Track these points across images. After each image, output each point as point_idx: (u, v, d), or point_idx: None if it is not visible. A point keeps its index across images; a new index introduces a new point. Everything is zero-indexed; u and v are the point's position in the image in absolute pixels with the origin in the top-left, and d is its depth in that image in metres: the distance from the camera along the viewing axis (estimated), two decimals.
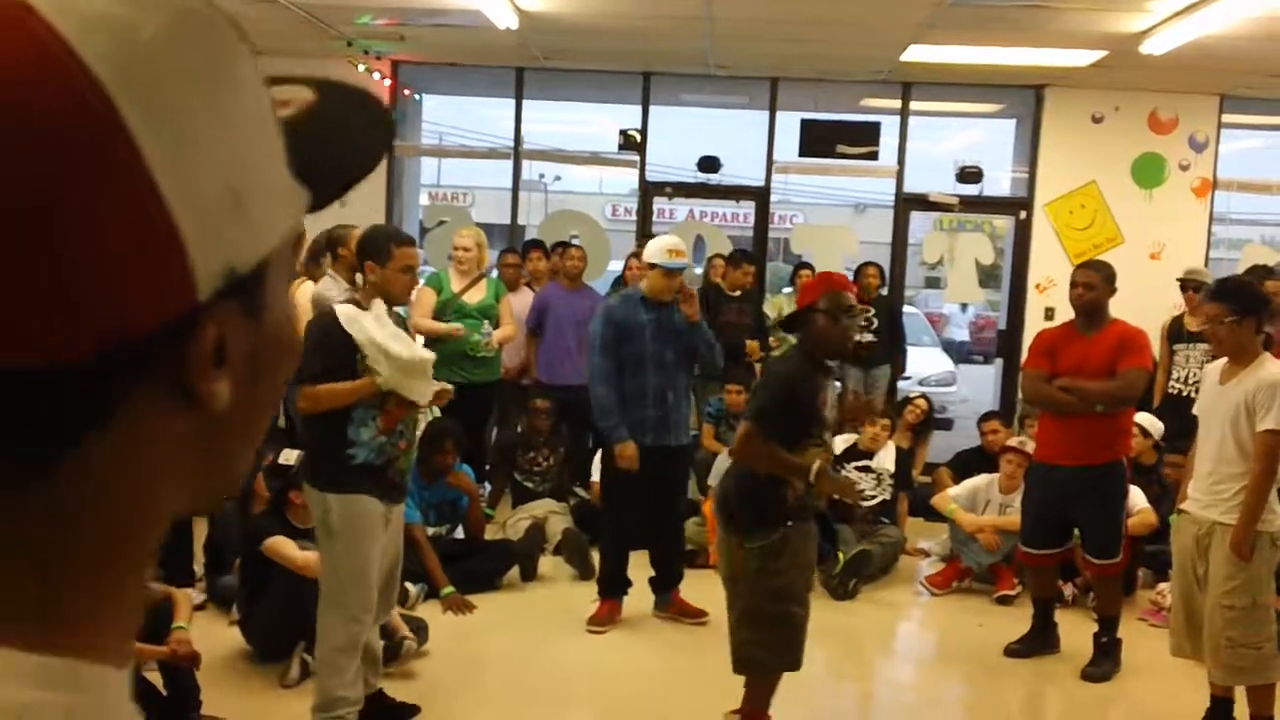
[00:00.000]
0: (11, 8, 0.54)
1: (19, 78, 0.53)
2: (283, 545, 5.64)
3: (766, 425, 4.73)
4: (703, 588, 6.40)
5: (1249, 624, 4.99)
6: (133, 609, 0.62)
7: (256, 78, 0.64)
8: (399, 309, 5.08)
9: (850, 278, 10.74)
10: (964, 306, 22.56)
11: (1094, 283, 6.16)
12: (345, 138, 0.74)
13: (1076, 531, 6.43)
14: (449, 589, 6.56)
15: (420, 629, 6.04)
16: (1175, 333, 8.95)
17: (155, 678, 4.88)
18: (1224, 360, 5.27)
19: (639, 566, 6.73)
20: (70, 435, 0.56)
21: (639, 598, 6.65)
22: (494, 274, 9.28)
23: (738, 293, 9.73)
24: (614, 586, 6.64)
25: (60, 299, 0.53)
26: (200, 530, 6.78)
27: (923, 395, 10.15)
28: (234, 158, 0.60)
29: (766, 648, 4.84)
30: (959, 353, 19.24)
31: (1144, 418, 7.91)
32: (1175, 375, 8.86)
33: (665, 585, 6.72)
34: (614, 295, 7.14)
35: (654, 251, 6.46)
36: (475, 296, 8.59)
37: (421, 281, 8.77)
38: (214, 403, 0.60)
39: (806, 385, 4.77)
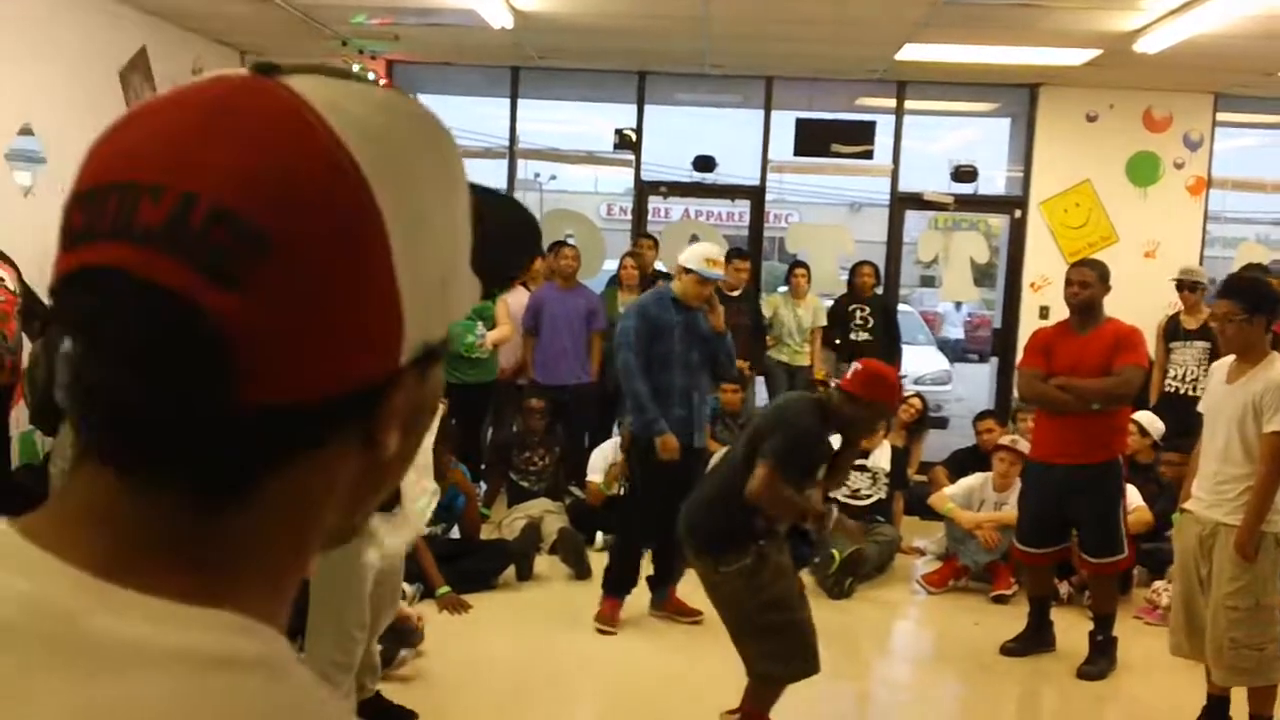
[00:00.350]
0: (293, 101, 0.68)
1: (305, 169, 0.66)
2: None
3: (785, 469, 4.73)
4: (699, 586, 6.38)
5: (1252, 625, 4.94)
6: (288, 608, 0.74)
7: (465, 179, 0.77)
8: None
9: (845, 277, 10.78)
10: (958, 305, 22.57)
11: (1089, 281, 6.16)
12: (506, 238, 0.88)
13: (1074, 531, 6.44)
14: (444, 589, 6.55)
15: (414, 631, 6.04)
16: (1172, 331, 8.95)
17: None
18: (1231, 358, 5.19)
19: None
20: (284, 461, 0.69)
21: (632, 596, 6.64)
22: None
23: (736, 292, 9.73)
24: (624, 585, 6.62)
25: (317, 345, 0.67)
26: None
27: (917, 394, 10.16)
28: (448, 250, 0.73)
29: (777, 658, 4.83)
30: (953, 351, 19.26)
31: (1144, 416, 7.93)
32: (1172, 374, 8.87)
33: (664, 581, 6.71)
34: (645, 293, 7.19)
35: (692, 257, 6.51)
36: None
37: None
38: (385, 451, 0.73)
39: (824, 441, 4.93)
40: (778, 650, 4.80)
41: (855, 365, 5.02)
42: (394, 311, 0.69)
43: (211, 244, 0.64)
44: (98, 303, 0.66)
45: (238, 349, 0.64)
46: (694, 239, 11.65)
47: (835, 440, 5.05)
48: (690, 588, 6.71)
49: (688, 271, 6.43)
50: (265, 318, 0.65)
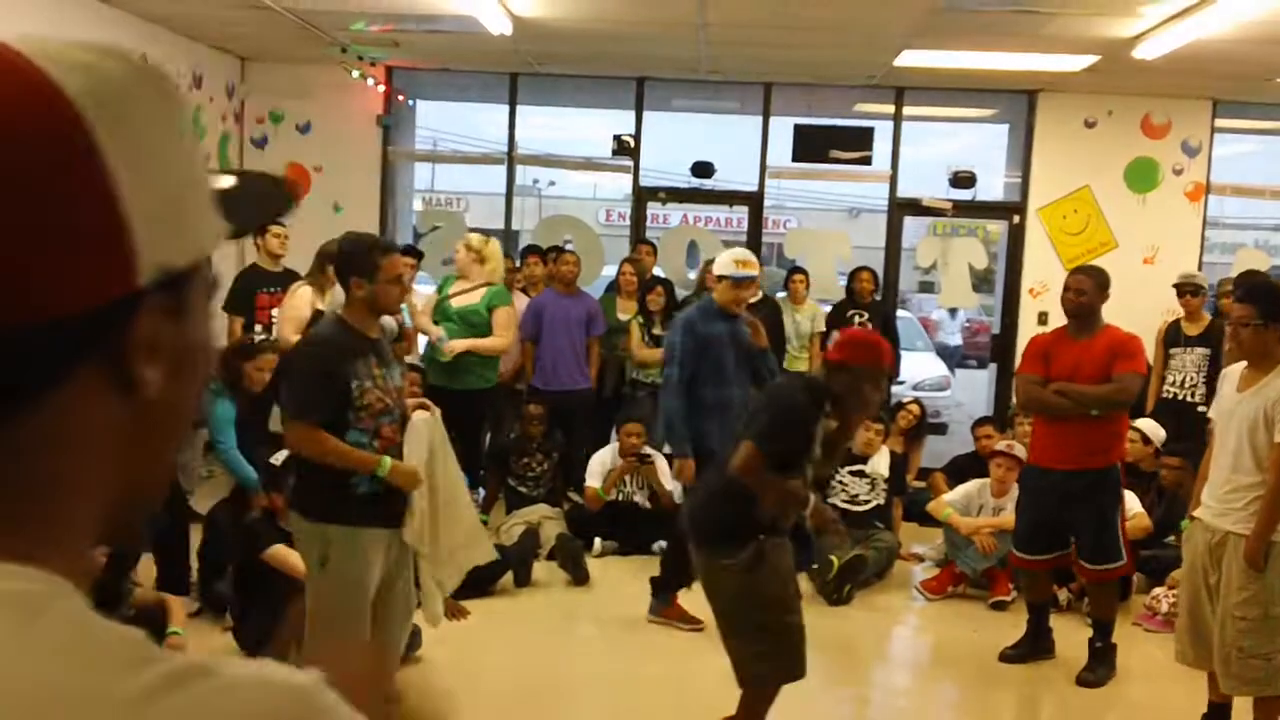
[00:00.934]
0: (7, 51, 0.71)
1: (15, 101, 0.69)
2: (285, 554, 5.60)
3: (765, 445, 4.66)
4: (696, 591, 6.37)
5: (1261, 635, 4.88)
6: (76, 558, 0.75)
7: (190, 127, 0.82)
8: (389, 321, 4.95)
9: (844, 282, 10.77)
10: (953, 312, 22.57)
11: (1085, 287, 6.15)
12: (256, 193, 0.94)
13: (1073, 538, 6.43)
14: None
15: (413, 635, 6.03)
16: (1172, 337, 8.95)
17: None
18: (1242, 365, 5.10)
19: (629, 573, 6.73)
20: (23, 394, 0.70)
21: (631, 603, 6.63)
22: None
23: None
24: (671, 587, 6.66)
25: (40, 264, 0.68)
26: (194, 538, 6.77)
27: (915, 400, 10.16)
28: (175, 179, 0.76)
29: (765, 659, 4.79)
30: (951, 358, 19.26)
31: (1146, 424, 7.92)
32: (1170, 380, 8.87)
33: (672, 586, 6.67)
34: (691, 307, 7.17)
35: (722, 264, 6.60)
36: (462, 301, 8.50)
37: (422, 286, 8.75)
38: (145, 389, 0.73)
39: (812, 420, 4.75)
40: (768, 651, 4.76)
41: (835, 335, 4.94)
42: (118, 233, 0.71)
43: None
44: None
45: None
46: (693, 245, 11.70)
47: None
48: (695, 595, 6.71)
49: (721, 279, 6.49)
50: None
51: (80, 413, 0.72)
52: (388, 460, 4.46)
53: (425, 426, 4.72)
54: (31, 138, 0.69)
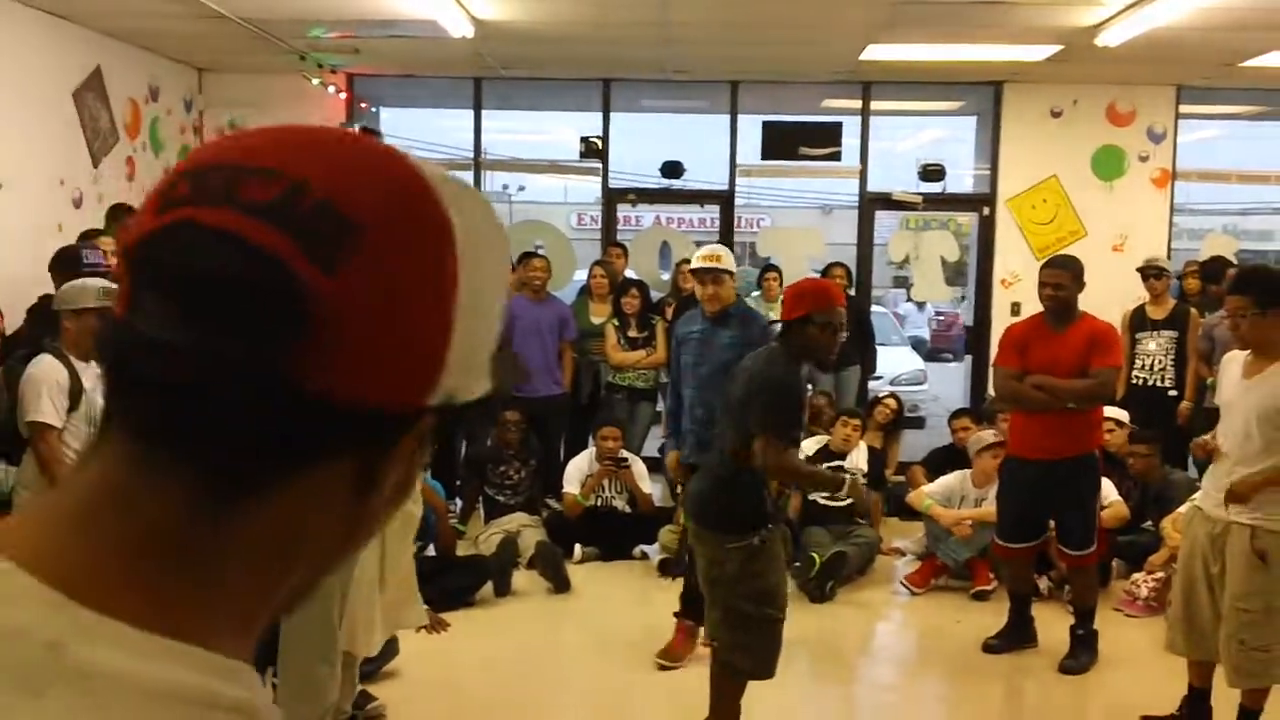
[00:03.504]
0: (418, 170, 0.76)
1: (424, 222, 0.75)
2: None
3: (781, 433, 4.65)
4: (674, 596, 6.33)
5: (1263, 627, 4.83)
6: (253, 646, 0.75)
7: (506, 286, 0.85)
8: None
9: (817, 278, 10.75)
10: (921, 305, 22.63)
11: (1063, 282, 6.11)
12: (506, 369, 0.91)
13: (1051, 524, 6.42)
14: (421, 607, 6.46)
15: (390, 645, 5.97)
16: (1138, 322, 8.94)
17: None
18: (1246, 351, 4.97)
19: (611, 579, 6.68)
20: (304, 467, 0.72)
21: (613, 609, 6.57)
22: None
23: None
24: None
25: (390, 356, 0.72)
26: None
27: (892, 395, 10.15)
28: (487, 324, 0.79)
29: (745, 651, 4.78)
30: (922, 351, 19.29)
31: (1113, 411, 7.89)
32: (1139, 364, 8.86)
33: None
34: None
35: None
36: None
37: None
38: (379, 491, 0.76)
39: (802, 389, 4.86)
40: (750, 644, 4.75)
41: (781, 296, 4.98)
42: (444, 345, 0.75)
43: (316, 227, 0.70)
44: (197, 255, 0.69)
45: (322, 329, 0.68)
46: (665, 246, 11.66)
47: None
48: (667, 596, 6.65)
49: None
50: (351, 307, 0.69)
51: (323, 498, 0.74)
52: None
53: None
54: (415, 224, 0.73)
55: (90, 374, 5.38)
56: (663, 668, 6.03)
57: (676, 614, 6.20)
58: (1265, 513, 4.81)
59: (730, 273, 6.39)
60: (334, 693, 4.55)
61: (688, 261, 10.06)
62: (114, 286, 4.58)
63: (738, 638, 4.76)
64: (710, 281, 6.33)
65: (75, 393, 5.23)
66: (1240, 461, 4.88)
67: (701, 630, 5.64)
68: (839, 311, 4.80)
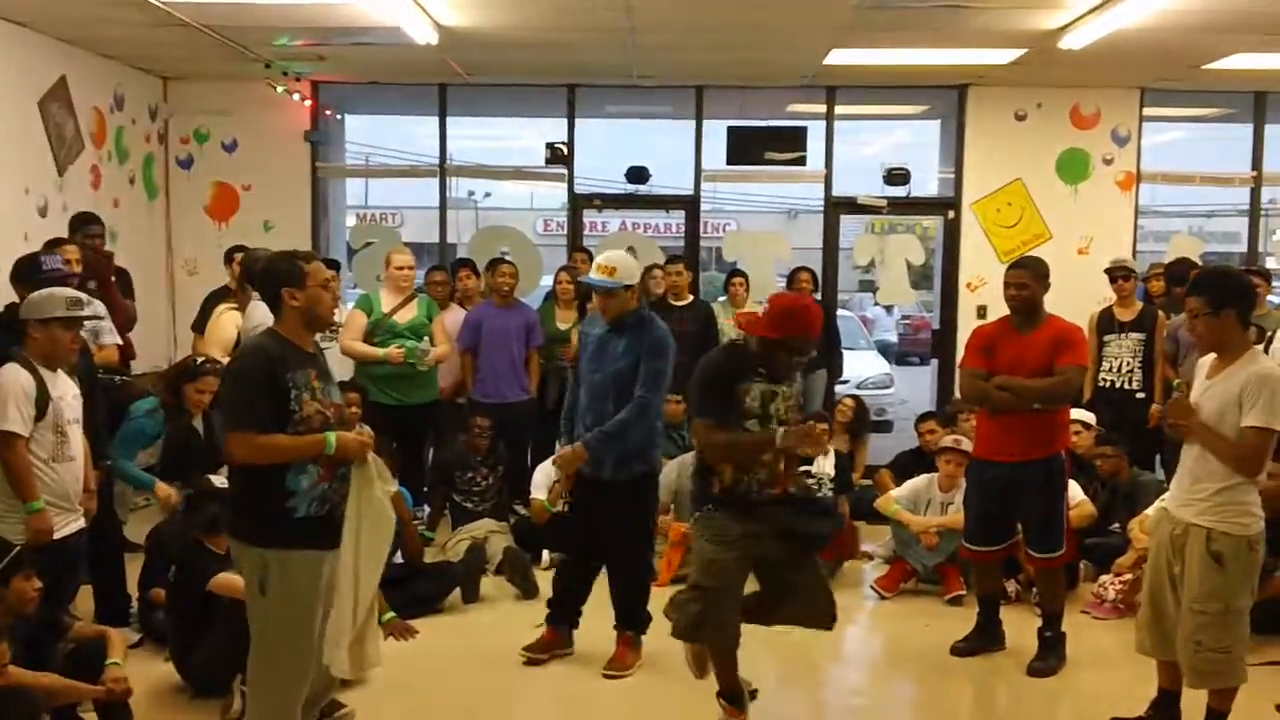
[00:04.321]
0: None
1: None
2: (232, 580, 5.42)
3: (708, 414, 5.03)
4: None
5: (1220, 629, 4.83)
6: None
7: None
8: (326, 340, 4.85)
9: (783, 284, 10.76)
10: (889, 309, 22.69)
11: (1025, 281, 6.14)
12: None
13: (1020, 527, 6.43)
14: (389, 614, 6.42)
15: None
16: (1105, 324, 8.98)
17: (91, 718, 4.77)
18: (1212, 355, 4.99)
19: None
20: None
21: (583, 615, 6.54)
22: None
23: (682, 301, 9.69)
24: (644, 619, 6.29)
25: None
26: (133, 569, 6.63)
27: (851, 396, 10.19)
28: None
29: (676, 607, 5.09)
30: (889, 354, 19.37)
31: (1080, 413, 7.93)
32: (1106, 366, 8.89)
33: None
34: None
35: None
36: (406, 315, 8.52)
37: (350, 304, 8.67)
38: None
39: (732, 378, 5.02)
40: (680, 601, 5.07)
41: (765, 304, 5.10)
42: None
43: None
44: None
45: None
46: (630, 250, 11.63)
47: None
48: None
49: None
50: None
51: None
52: (332, 435, 4.31)
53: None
54: None
55: (59, 383, 5.34)
56: (611, 678, 6.08)
57: (615, 626, 6.25)
58: (1221, 516, 4.82)
59: (628, 286, 6.01)
60: (297, 709, 4.49)
61: (655, 267, 10.10)
62: (81, 296, 4.55)
63: (677, 595, 5.15)
64: (602, 295, 6.05)
65: (42, 401, 5.19)
66: (1200, 462, 4.89)
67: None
68: (812, 345, 5.11)
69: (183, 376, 6.94)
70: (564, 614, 6.38)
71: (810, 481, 8.08)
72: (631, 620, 6.21)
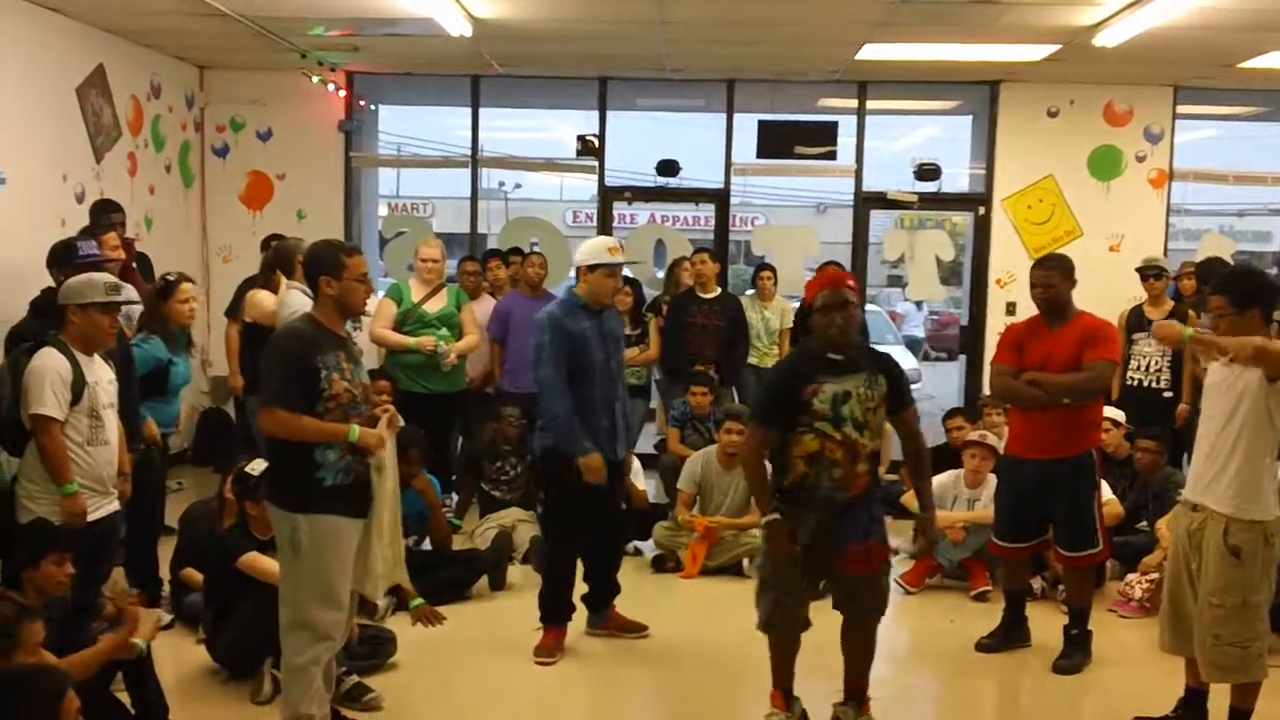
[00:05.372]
0: None
1: None
2: (259, 560, 5.59)
3: (761, 422, 5.11)
4: (673, 594, 6.34)
5: (1238, 622, 4.83)
6: None
7: None
8: (351, 327, 5.03)
9: (812, 277, 10.75)
10: (919, 304, 22.63)
11: (1051, 280, 6.13)
12: None
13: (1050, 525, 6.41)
14: (418, 600, 6.44)
15: (389, 643, 6.00)
16: (1135, 323, 8.94)
17: (125, 697, 4.83)
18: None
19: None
20: None
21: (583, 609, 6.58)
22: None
23: (710, 295, 9.70)
24: (562, 614, 6.36)
25: None
26: (165, 551, 6.70)
27: None
28: None
29: (756, 604, 5.19)
30: (918, 350, 19.32)
31: (1109, 411, 7.91)
32: (1135, 365, 8.86)
33: (604, 601, 6.58)
34: (552, 304, 6.52)
35: (594, 253, 6.13)
36: (436, 305, 8.57)
37: (381, 293, 8.73)
38: None
39: (792, 376, 5.01)
40: (759, 598, 5.19)
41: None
42: None
43: None
44: None
45: None
46: (660, 244, 11.68)
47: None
48: (664, 593, 6.67)
49: (593, 269, 6.11)
50: None
51: None
52: (356, 428, 4.64)
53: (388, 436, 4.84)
54: None
55: (94, 368, 5.41)
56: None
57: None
58: (1240, 501, 4.81)
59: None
60: (325, 661, 4.75)
61: (683, 259, 10.13)
62: (119, 281, 4.64)
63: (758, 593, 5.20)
64: (620, 273, 6.35)
65: (78, 386, 5.26)
66: (1219, 444, 4.87)
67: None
68: (835, 292, 5.01)
69: (159, 298, 6.98)
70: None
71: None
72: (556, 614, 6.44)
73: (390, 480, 4.81)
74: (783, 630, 5.19)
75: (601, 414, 6.16)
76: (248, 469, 5.92)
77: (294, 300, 6.65)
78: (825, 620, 5.26)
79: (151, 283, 8.57)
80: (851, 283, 5.12)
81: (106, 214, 7.93)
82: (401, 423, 4.96)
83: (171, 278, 7.11)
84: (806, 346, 5.15)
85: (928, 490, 5.47)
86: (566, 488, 6.15)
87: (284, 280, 7.29)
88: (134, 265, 8.03)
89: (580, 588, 6.50)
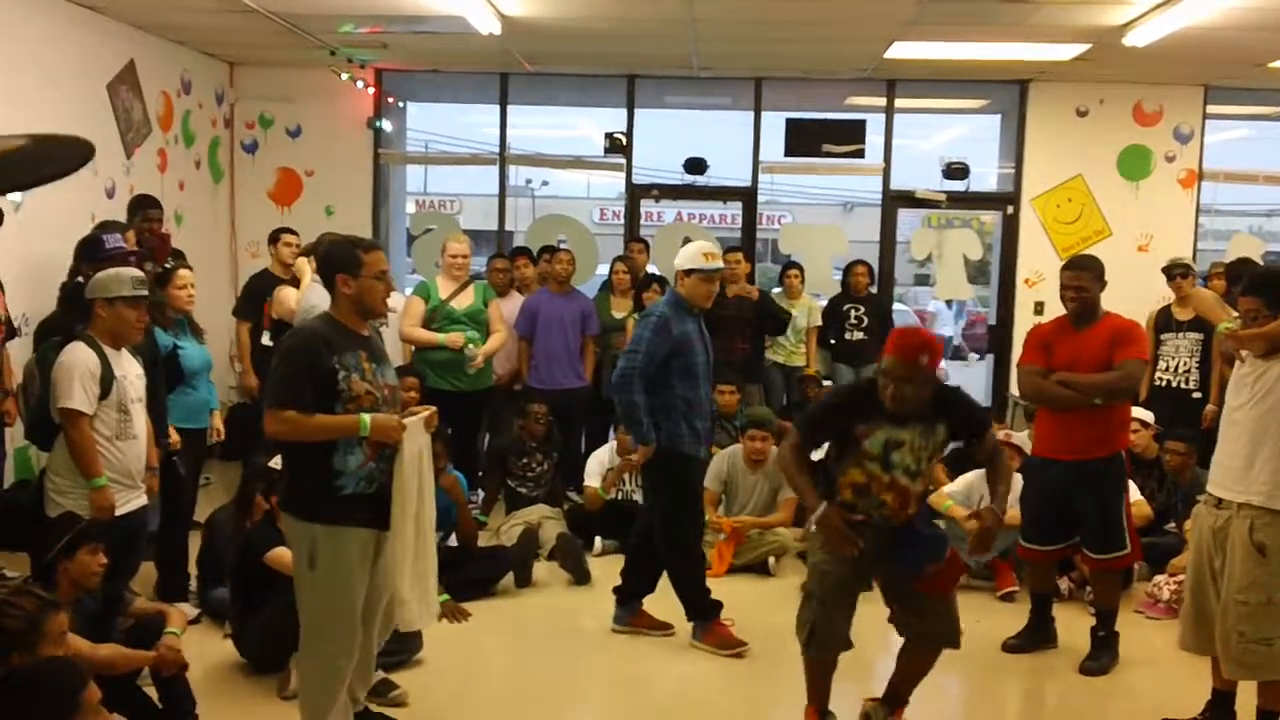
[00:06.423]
0: None
1: None
2: (286, 555, 5.58)
3: (805, 428, 5.07)
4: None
5: (1263, 620, 4.79)
6: None
7: None
8: (377, 323, 4.88)
9: (839, 277, 10.75)
10: (949, 303, 22.55)
11: (1084, 283, 6.08)
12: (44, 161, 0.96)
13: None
14: (444, 596, 6.51)
15: (415, 638, 6.02)
16: (1163, 323, 8.91)
17: (153, 692, 4.86)
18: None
19: (608, 576, 6.72)
20: None
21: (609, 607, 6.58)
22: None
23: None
24: (713, 606, 6.37)
25: None
26: (193, 544, 6.74)
27: None
28: None
29: (799, 617, 5.05)
30: (948, 349, 19.23)
31: (1138, 412, 7.87)
32: (1163, 365, 8.82)
33: (636, 595, 6.58)
34: (662, 304, 6.38)
35: (690, 258, 6.15)
36: (464, 302, 8.59)
37: (408, 290, 8.75)
38: None
39: (848, 411, 4.85)
40: (801, 612, 5.04)
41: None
42: None
43: None
44: None
45: None
46: (686, 241, 11.65)
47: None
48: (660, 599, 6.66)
49: (689, 274, 6.14)
50: None
51: None
52: (366, 418, 4.38)
53: (418, 429, 4.62)
54: None
55: (123, 362, 5.44)
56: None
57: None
58: (1270, 494, 4.76)
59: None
60: (345, 682, 4.59)
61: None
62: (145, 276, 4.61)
63: (801, 607, 5.08)
64: (718, 278, 6.31)
65: (106, 380, 5.28)
66: (1244, 437, 4.84)
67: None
68: (901, 365, 4.69)
69: (157, 285, 6.99)
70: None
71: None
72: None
73: (413, 481, 4.51)
74: (824, 648, 5.05)
75: (705, 414, 6.25)
76: (271, 463, 5.94)
77: (314, 296, 6.63)
78: (857, 624, 5.24)
79: None
80: (928, 357, 4.69)
81: (143, 209, 7.98)
82: (436, 423, 4.77)
83: (169, 264, 7.14)
84: (869, 386, 4.87)
85: (1003, 494, 5.23)
86: (686, 488, 6.27)
87: (307, 275, 7.30)
88: (169, 260, 8.07)
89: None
